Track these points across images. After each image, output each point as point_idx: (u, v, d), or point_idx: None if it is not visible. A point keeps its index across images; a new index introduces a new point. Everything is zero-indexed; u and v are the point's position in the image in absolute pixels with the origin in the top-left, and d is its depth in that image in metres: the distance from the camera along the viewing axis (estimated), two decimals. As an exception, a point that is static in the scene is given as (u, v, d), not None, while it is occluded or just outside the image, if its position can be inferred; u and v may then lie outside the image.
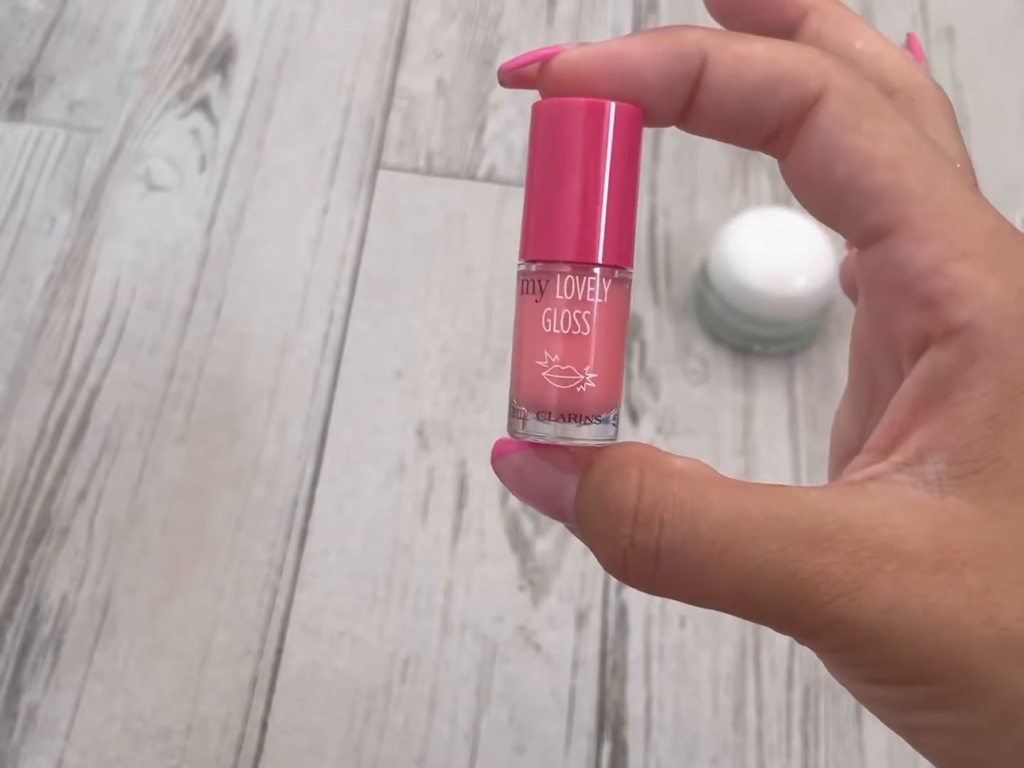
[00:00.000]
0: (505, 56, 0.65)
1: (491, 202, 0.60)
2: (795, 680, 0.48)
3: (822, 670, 0.48)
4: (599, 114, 0.18)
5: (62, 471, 0.51)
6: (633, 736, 0.47)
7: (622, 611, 0.49)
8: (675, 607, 0.49)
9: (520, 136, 0.62)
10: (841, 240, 0.21)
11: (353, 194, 0.60)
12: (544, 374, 0.18)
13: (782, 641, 0.49)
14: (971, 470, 0.17)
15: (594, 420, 0.19)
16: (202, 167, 0.61)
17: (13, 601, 0.48)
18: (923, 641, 0.17)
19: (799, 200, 0.19)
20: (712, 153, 0.62)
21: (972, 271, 0.17)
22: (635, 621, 0.49)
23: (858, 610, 0.17)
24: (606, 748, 0.46)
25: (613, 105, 0.18)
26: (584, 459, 0.19)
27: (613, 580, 0.50)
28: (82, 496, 0.51)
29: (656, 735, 0.47)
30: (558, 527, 0.51)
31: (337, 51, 0.65)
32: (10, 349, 0.54)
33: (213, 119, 0.62)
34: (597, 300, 0.18)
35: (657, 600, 0.49)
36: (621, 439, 0.19)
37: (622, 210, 0.19)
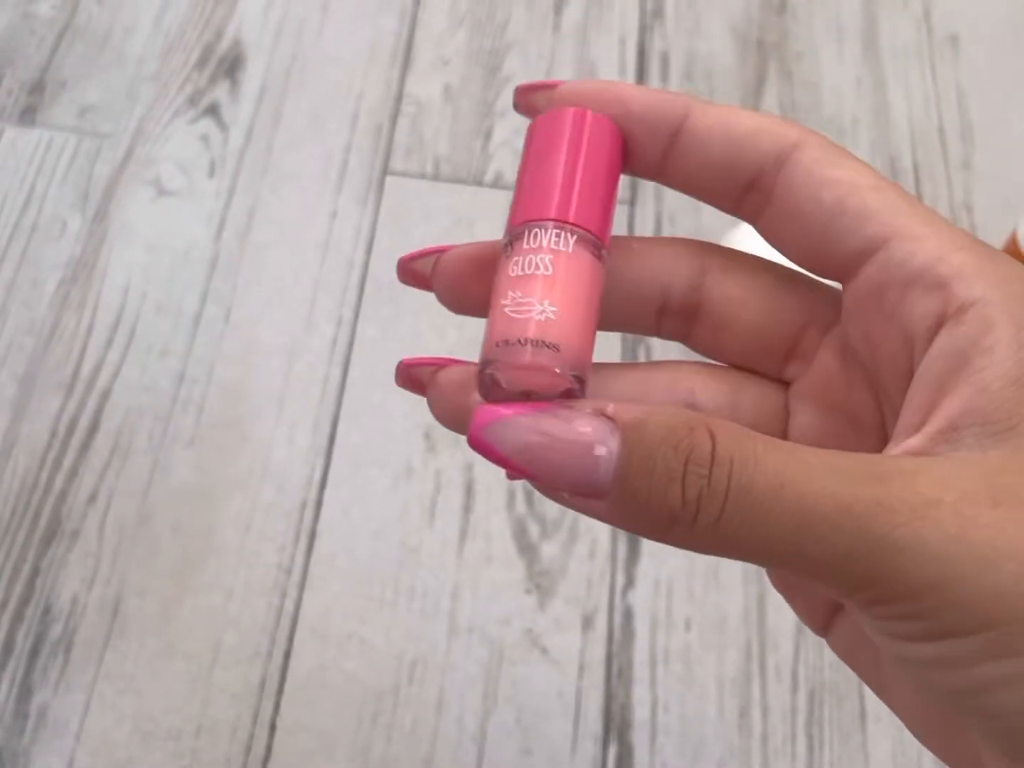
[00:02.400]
0: (512, 62, 0.66)
1: (498, 208, 0.60)
2: (800, 683, 0.48)
3: (827, 674, 0.48)
4: (580, 116, 0.20)
5: (73, 473, 0.52)
6: (639, 739, 0.47)
7: (628, 615, 0.49)
8: (680, 611, 0.49)
9: (527, 142, 0.63)
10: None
11: (361, 199, 0.61)
12: (506, 310, 0.19)
13: (787, 644, 0.49)
14: (1006, 427, 0.17)
15: (560, 366, 0.19)
16: (211, 172, 0.61)
17: (24, 602, 0.49)
18: (986, 578, 0.16)
19: (780, 249, 0.21)
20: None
21: (972, 258, 0.19)
22: (641, 625, 0.49)
23: (920, 542, 0.16)
24: (612, 751, 0.47)
25: (589, 113, 0.20)
26: (616, 416, 0.18)
27: (619, 584, 0.50)
28: (92, 498, 0.51)
29: (662, 738, 0.47)
30: (564, 530, 0.51)
31: (345, 58, 0.66)
32: (21, 353, 0.55)
33: (222, 125, 0.63)
34: (561, 248, 0.19)
35: (663, 604, 0.50)
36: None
37: (596, 192, 0.20)
